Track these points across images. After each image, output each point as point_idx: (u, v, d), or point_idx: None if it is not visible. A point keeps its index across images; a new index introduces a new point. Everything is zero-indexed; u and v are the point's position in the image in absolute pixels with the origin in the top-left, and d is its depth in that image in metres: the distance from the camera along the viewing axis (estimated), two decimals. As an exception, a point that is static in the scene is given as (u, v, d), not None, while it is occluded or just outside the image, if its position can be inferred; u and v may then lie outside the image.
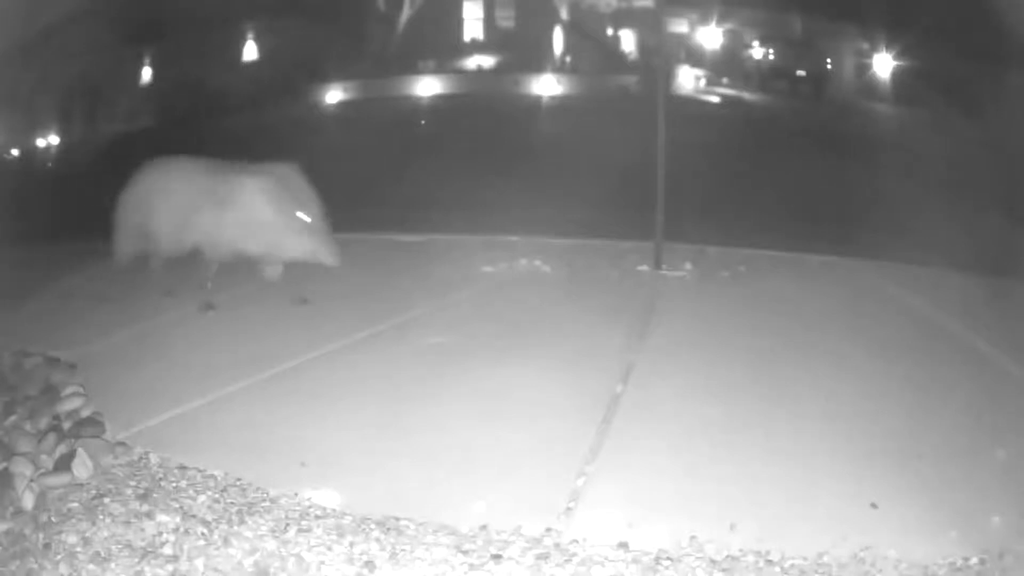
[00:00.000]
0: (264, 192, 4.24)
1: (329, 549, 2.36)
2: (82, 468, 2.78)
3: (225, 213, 4.28)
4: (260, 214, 4.23)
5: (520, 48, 12.60)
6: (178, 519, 2.50)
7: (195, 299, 4.36)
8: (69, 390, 3.33)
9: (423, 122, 11.20)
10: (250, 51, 11.42)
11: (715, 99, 11.59)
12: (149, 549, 2.38)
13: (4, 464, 2.82)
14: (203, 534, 2.44)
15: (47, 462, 2.86)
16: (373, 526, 2.46)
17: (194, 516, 2.52)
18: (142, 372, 3.54)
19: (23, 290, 4.48)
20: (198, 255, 4.49)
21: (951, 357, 3.59)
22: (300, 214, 4.23)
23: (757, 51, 11.53)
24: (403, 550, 2.35)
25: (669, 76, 10.21)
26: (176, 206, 4.40)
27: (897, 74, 9.49)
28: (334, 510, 2.55)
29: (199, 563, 2.32)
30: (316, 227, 4.26)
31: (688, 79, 11.65)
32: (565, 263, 4.94)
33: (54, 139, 9.07)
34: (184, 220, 4.38)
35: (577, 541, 2.38)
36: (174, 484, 2.71)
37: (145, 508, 2.56)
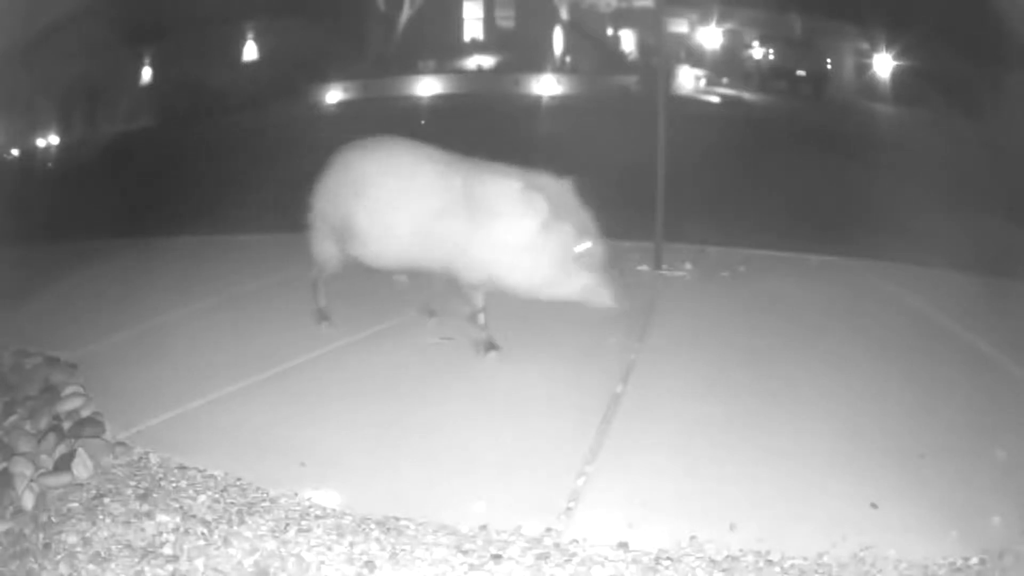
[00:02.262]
0: (549, 213, 3.27)
1: (329, 549, 2.36)
2: (82, 468, 2.78)
3: (486, 228, 3.30)
4: (539, 240, 3.27)
5: (520, 48, 12.60)
6: (178, 519, 2.50)
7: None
8: (69, 390, 3.33)
9: (423, 122, 11.21)
10: (250, 51, 11.44)
11: (715, 99, 11.60)
12: (149, 549, 2.38)
13: (4, 464, 2.82)
14: (203, 534, 2.44)
15: (47, 462, 2.86)
16: (373, 526, 2.46)
17: (194, 516, 2.52)
18: (142, 372, 3.54)
19: (23, 290, 4.48)
20: (419, 274, 3.67)
21: (951, 357, 3.59)
22: (586, 246, 3.31)
23: (757, 51, 11.54)
24: (403, 550, 2.35)
25: (669, 76, 10.20)
26: (403, 206, 3.41)
27: (897, 74, 9.50)
28: (334, 510, 2.55)
29: (199, 563, 2.32)
30: (600, 261, 3.37)
31: (688, 79, 11.66)
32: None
33: (54, 139, 9.09)
34: (413, 227, 3.39)
35: (577, 541, 2.38)
36: (174, 484, 2.71)
37: (145, 508, 2.56)
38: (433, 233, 3.36)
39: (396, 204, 3.42)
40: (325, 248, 3.71)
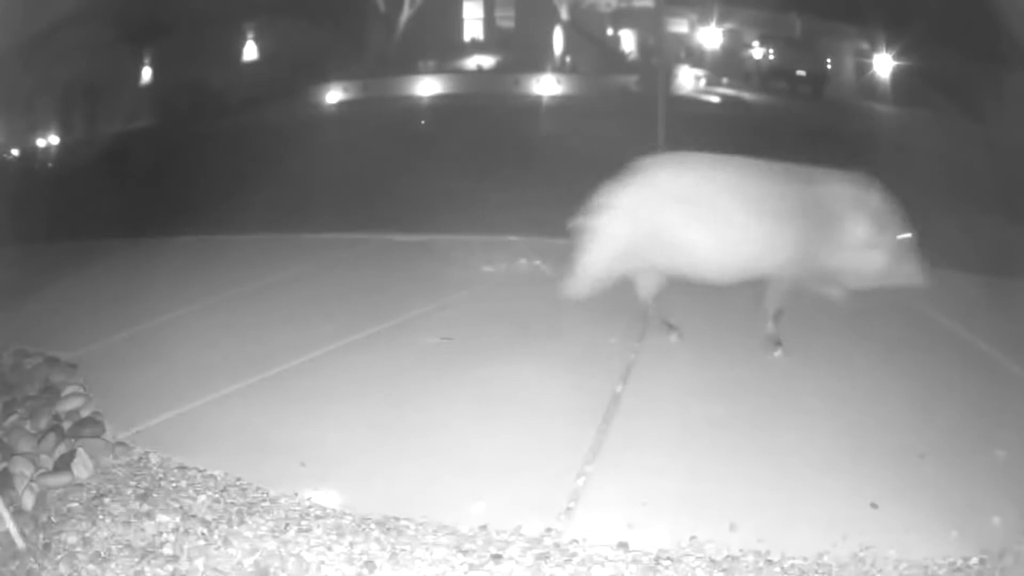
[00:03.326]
0: (886, 210, 3.45)
1: (329, 549, 2.37)
2: (82, 468, 2.78)
3: (841, 231, 3.43)
4: (882, 236, 3.44)
5: (520, 48, 12.61)
6: (178, 519, 2.50)
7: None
8: (69, 390, 3.34)
9: (423, 122, 11.21)
10: (250, 51, 11.46)
11: (715, 99, 11.60)
12: (149, 549, 2.38)
13: (4, 464, 2.82)
14: (203, 534, 2.44)
15: (47, 462, 2.86)
16: (373, 526, 2.46)
17: (194, 516, 2.52)
18: (142, 372, 3.54)
19: (23, 290, 4.48)
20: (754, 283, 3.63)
21: (951, 357, 3.59)
22: (906, 236, 3.49)
23: (757, 51, 11.54)
24: (403, 550, 2.35)
25: (669, 76, 10.23)
26: (755, 217, 3.42)
27: (897, 74, 9.51)
28: (334, 510, 2.55)
29: (199, 563, 2.32)
30: (913, 247, 3.52)
31: (688, 79, 11.67)
32: (565, 263, 4.93)
33: (54, 139, 9.10)
34: (762, 237, 3.42)
35: (577, 541, 2.38)
36: (174, 484, 2.71)
37: (145, 508, 2.57)
38: (783, 242, 3.44)
39: (747, 216, 3.44)
40: (607, 262, 3.62)
